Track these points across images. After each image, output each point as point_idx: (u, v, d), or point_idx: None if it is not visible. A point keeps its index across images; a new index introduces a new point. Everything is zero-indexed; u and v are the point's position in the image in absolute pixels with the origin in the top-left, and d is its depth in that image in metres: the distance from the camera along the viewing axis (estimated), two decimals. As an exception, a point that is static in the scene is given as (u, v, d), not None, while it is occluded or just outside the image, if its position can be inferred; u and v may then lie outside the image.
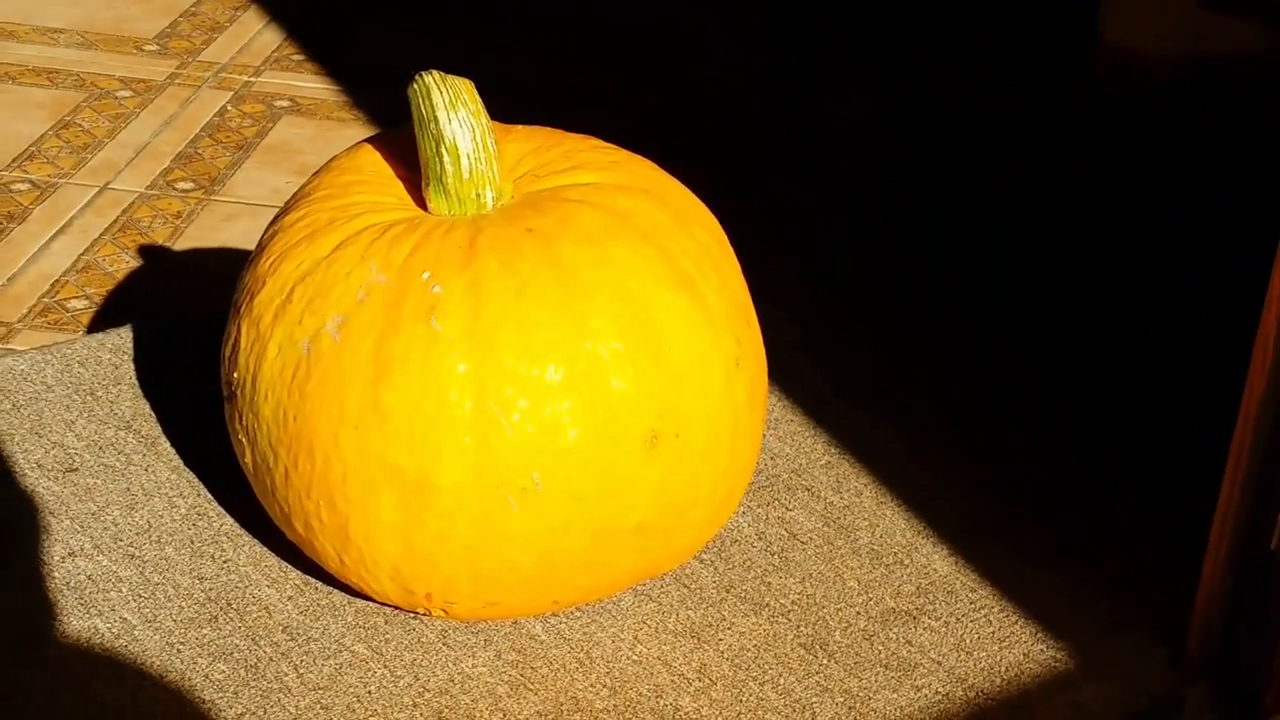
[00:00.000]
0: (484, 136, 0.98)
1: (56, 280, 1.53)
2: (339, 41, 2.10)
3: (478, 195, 0.98)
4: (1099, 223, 1.60)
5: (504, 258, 0.93)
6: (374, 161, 1.04)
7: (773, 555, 1.09)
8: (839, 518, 1.13)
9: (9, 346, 1.41)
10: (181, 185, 1.73)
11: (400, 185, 1.02)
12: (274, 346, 0.95)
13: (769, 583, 1.07)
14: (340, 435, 0.92)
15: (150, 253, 1.60)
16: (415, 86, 0.97)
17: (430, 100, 0.97)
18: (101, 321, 1.47)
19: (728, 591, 1.06)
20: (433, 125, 0.97)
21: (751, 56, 2.08)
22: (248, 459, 0.99)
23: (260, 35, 2.11)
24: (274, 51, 2.07)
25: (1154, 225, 1.60)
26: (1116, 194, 1.67)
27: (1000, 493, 1.17)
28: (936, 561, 1.10)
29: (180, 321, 1.28)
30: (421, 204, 1.00)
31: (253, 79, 1.98)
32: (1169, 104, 1.85)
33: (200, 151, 1.81)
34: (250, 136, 1.84)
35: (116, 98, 1.91)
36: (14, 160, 1.74)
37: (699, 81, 2.01)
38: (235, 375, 0.98)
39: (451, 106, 0.97)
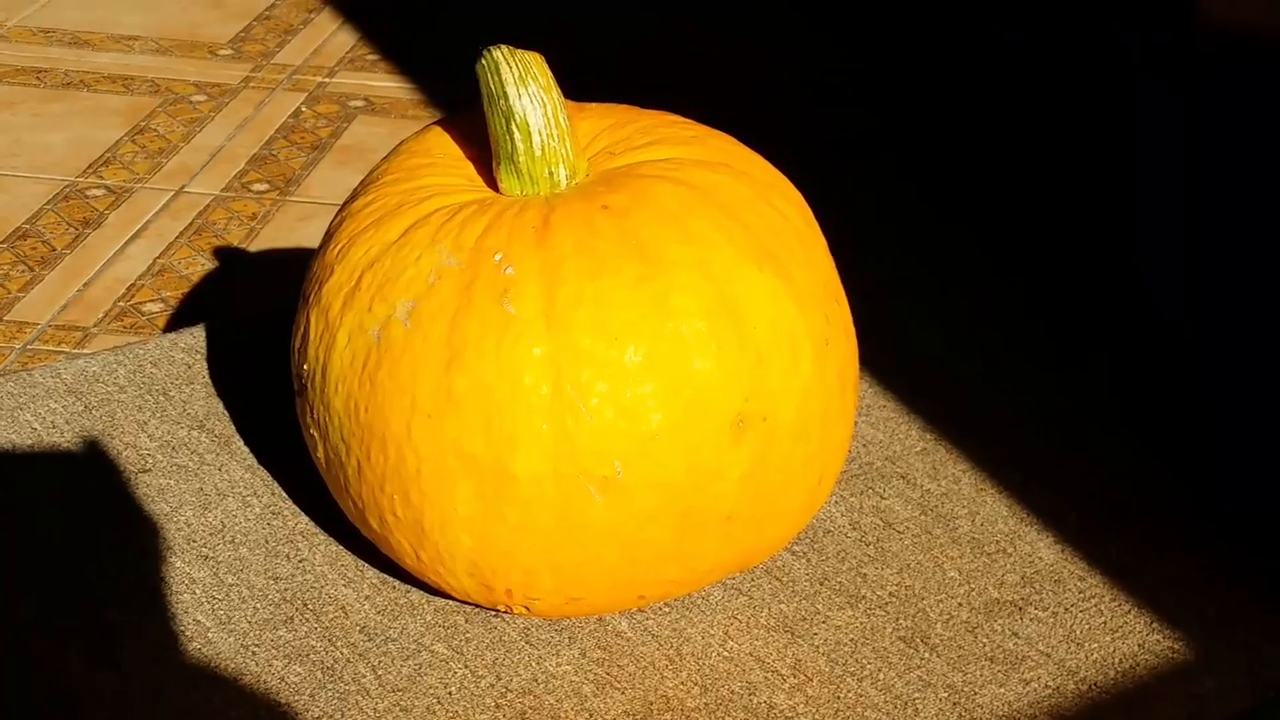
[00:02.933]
0: (555, 112, 0.94)
1: (132, 284, 1.52)
2: (414, 40, 2.08)
3: (550, 173, 0.94)
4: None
5: (579, 236, 0.89)
6: (443, 144, 1.00)
7: (868, 545, 1.04)
8: (937, 506, 1.08)
9: (84, 351, 1.40)
10: (256, 187, 1.71)
11: (471, 166, 0.98)
12: (343, 336, 0.92)
13: (865, 574, 1.02)
14: (413, 425, 0.89)
15: (225, 255, 1.58)
16: (483, 62, 0.94)
17: (499, 75, 0.93)
18: (176, 324, 1.45)
19: (822, 584, 1.01)
20: (502, 101, 0.93)
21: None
22: (320, 453, 0.96)
23: (334, 36, 2.09)
24: (348, 52, 2.05)
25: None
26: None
27: (1107, 476, 1.11)
28: (1041, 549, 1.04)
29: (254, 319, 1.25)
30: (493, 185, 0.97)
31: (327, 80, 1.96)
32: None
33: (275, 153, 1.79)
34: (325, 137, 1.82)
35: (191, 102, 1.90)
36: (90, 166, 1.73)
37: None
38: (305, 367, 0.95)
39: (521, 81, 0.93)
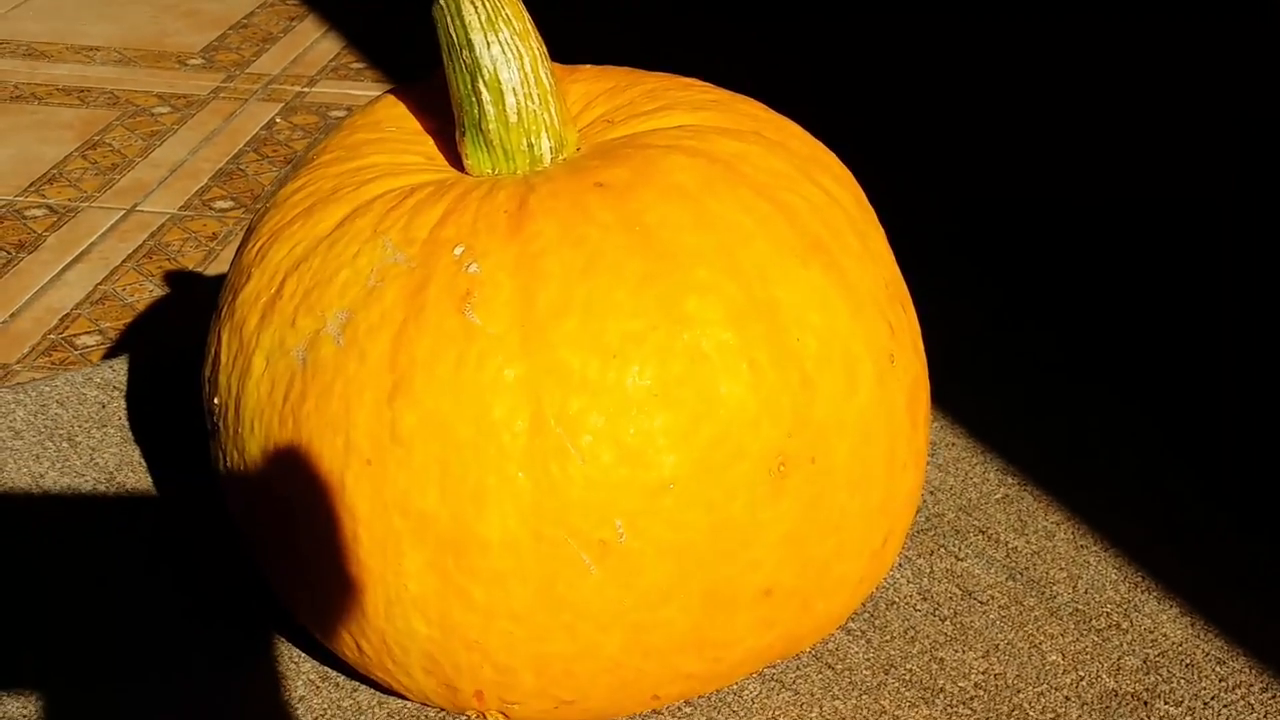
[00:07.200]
0: (535, 65, 0.72)
1: (66, 314, 1.31)
2: (405, 46, 1.87)
3: (530, 145, 0.73)
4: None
5: (565, 222, 0.68)
6: (397, 115, 0.79)
7: (943, 621, 0.82)
8: (1027, 568, 0.86)
9: (0, 391, 1.19)
10: (219, 204, 1.50)
11: (430, 142, 0.77)
12: (260, 359, 0.70)
13: (941, 659, 0.80)
14: (347, 475, 0.67)
15: (178, 280, 1.37)
16: (441, 2, 0.72)
17: (461, 19, 0.72)
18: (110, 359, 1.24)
19: (887, 673, 0.79)
20: (465, 53, 0.72)
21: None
22: (237, 511, 0.74)
23: (317, 45, 1.89)
24: (331, 60, 1.84)
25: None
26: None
27: (1238, 527, 0.89)
28: (1165, 623, 0.82)
29: (184, 349, 1.03)
30: (459, 164, 0.75)
31: (306, 89, 1.76)
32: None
33: (243, 168, 1.58)
34: (300, 149, 1.61)
35: (153, 115, 1.69)
36: (31, 184, 1.53)
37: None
38: (216, 401, 0.74)
39: (490, 26, 0.72)
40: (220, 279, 1.36)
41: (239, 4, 2.02)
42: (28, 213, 1.48)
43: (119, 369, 1.02)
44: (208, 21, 1.96)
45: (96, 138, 1.64)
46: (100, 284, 1.36)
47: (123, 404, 0.99)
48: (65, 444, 0.94)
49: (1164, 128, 1.53)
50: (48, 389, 0.99)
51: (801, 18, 1.90)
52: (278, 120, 1.69)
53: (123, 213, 1.48)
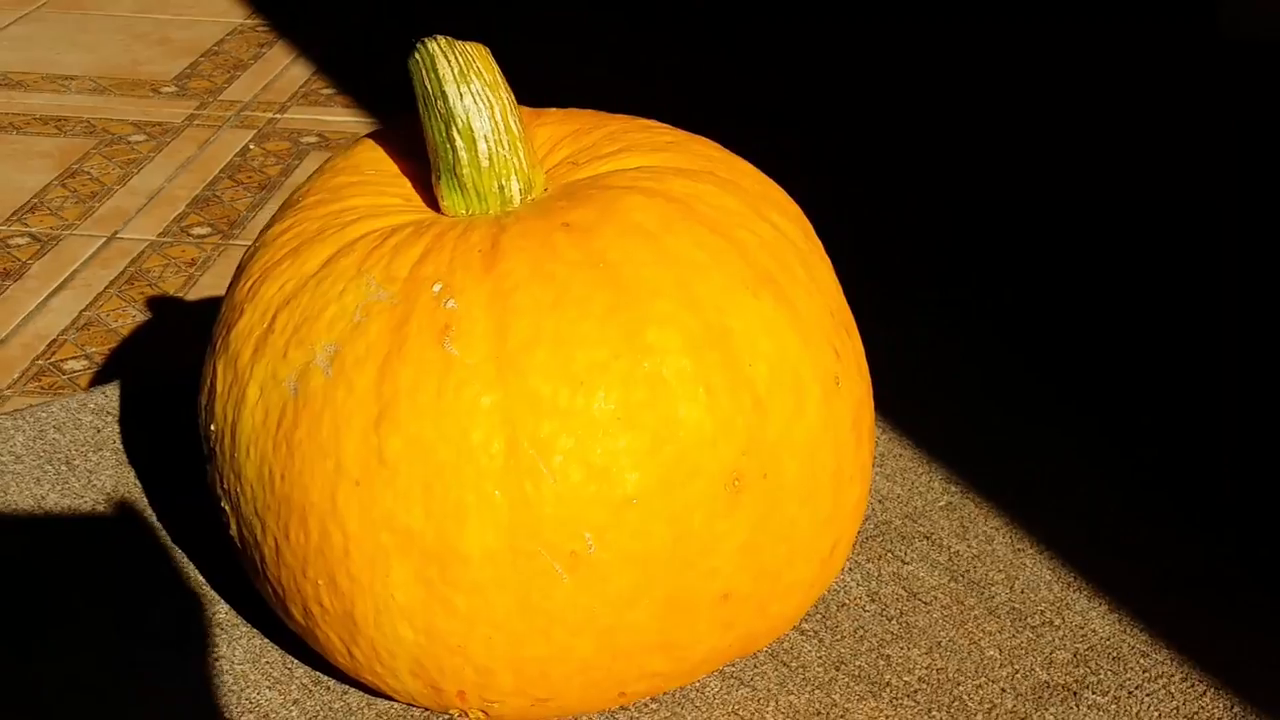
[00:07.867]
0: (505, 114, 0.78)
1: (53, 340, 1.36)
2: (373, 71, 1.93)
3: (501, 187, 0.79)
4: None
5: (535, 260, 0.74)
6: (375, 159, 0.85)
7: (890, 621, 0.89)
8: (968, 570, 0.93)
9: (-7, 416, 1.24)
10: (197, 231, 1.56)
11: (408, 184, 0.83)
12: (254, 389, 0.76)
13: (888, 655, 0.86)
14: (338, 495, 0.73)
15: (160, 305, 1.43)
16: (416, 56, 0.78)
17: (435, 72, 0.78)
18: (101, 384, 1.29)
19: (838, 669, 0.85)
20: (439, 103, 0.78)
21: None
22: (233, 531, 0.80)
23: (287, 71, 1.94)
24: (301, 86, 1.90)
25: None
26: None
27: (1170, 528, 0.96)
28: (1095, 620, 0.89)
29: (175, 375, 1.09)
30: (435, 205, 0.81)
31: (278, 115, 1.81)
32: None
33: (219, 194, 1.63)
34: (274, 175, 1.67)
35: (129, 143, 1.75)
36: (13, 214, 1.58)
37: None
38: (213, 428, 0.79)
39: (462, 78, 0.78)
40: (200, 304, 1.42)
41: (209, 32, 2.07)
42: (11, 241, 1.53)
43: (111, 394, 1.08)
44: (179, 49, 2.01)
45: (75, 166, 1.69)
46: (85, 310, 1.41)
47: (116, 428, 1.04)
48: (64, 467, 1.00)
49: (1152, 131, 1.60)
50: (45, 415, 1.05)
51: (782, 31, 1.96)
52: (251, 147, 1.74)
53: (104, 240, 1.54)
